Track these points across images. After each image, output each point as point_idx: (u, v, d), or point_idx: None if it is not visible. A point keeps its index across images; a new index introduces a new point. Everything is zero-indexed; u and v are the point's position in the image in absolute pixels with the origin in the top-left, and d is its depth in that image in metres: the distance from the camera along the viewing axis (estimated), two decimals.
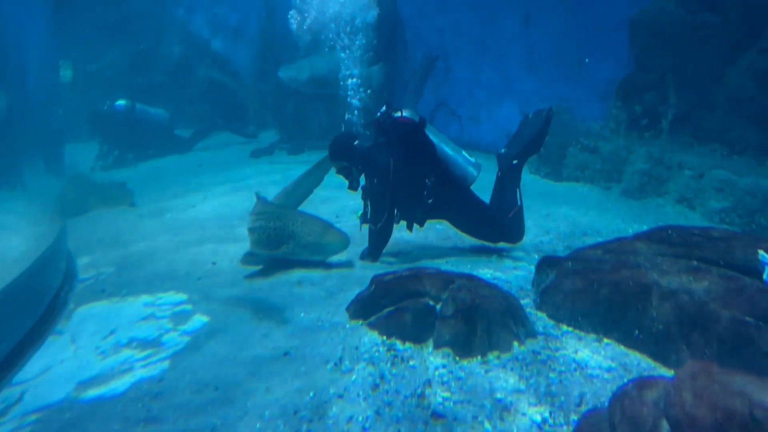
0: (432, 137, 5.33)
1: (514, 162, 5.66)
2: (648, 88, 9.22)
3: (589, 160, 9.32)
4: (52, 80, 15.80)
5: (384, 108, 5.40)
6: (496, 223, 5.55)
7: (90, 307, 4.74)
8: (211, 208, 7.95)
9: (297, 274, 5.14)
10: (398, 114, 5.27)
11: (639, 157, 8.71)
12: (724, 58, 8.26)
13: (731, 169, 7.46)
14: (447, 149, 5.38)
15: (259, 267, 5.31)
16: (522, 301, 4.12)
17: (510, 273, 4.97)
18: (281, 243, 5.19)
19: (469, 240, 5.86)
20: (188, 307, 4.58)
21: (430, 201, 5.34)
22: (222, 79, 17.13)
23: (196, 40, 18.26)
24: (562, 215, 7.19)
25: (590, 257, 4.23)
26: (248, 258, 5.34)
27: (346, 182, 5.46)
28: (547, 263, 4.29)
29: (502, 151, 5.81)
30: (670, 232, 4.28)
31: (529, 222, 6.74)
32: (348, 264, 5.36)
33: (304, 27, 11.63)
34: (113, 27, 16.30)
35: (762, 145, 7.62)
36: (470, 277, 4.06)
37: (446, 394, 3.11)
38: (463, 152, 5.49)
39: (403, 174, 5.19)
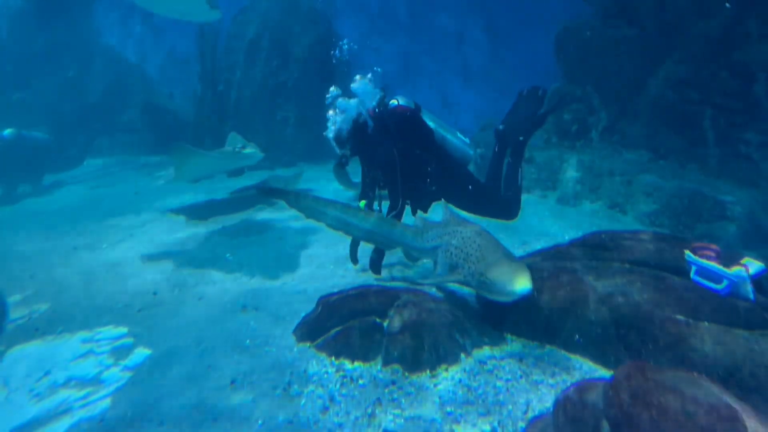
0: (428, 122, 5.18)
1: (521, 138, 5.54)
2: (576, 99, 9.62)
3: (525, 170, 9.60)
4: None
5: (379, 96, 5.19)
6: (496, 199, 5.49)
7: (22, 348, 4.52)
8: (148, 237, 7.73)
9: (241, 300, 5.06)
10: (395, 102, 5.09)
11: (571, 165, 9.04)
12: (644, 69, 8.70)
13: (658, 173, 7.83)
14: (444, 132, 5.24)
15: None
16: (467, 313, 4.19)
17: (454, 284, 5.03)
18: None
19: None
20: (129, 340, 4.43)
21: (434, 188, 5.17)
22: (159, 102, 16.78)
23: (129, 66, 17.92)
24: (501, 225, 7.33)
25: (530, 265, 4.32)
26: None
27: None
28: None
29: (500, 127, 5.62)
30: (603, 236, 4.44)
31: None
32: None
33: None
34: (40, 56, 15.79)
35: (683, 149, 8.02)
36: (415, 292, 4.10)
37: (396, 411, 3.12)
38: (458, 133, 5.38)
39: (406, 163, 5.01)
